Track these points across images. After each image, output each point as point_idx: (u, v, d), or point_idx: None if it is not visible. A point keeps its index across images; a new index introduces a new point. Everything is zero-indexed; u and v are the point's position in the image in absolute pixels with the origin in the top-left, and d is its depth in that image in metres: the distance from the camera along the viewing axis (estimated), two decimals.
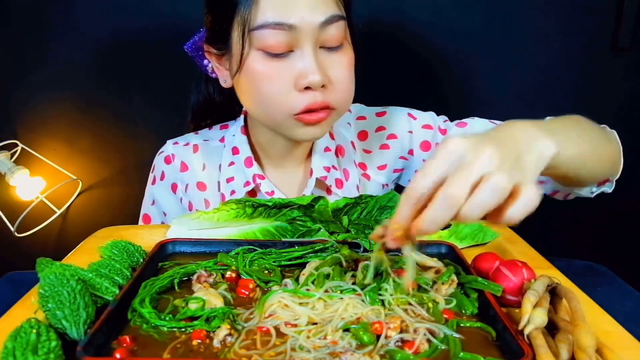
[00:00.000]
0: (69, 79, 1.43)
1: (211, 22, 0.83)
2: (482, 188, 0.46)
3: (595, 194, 0.85)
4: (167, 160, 0.99)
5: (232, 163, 0.95)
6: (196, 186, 0.98)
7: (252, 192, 0.95)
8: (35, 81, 1.43)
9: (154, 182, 1.01)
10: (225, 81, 0.87)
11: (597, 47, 1.39)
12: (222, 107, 1.02)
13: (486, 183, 0.46)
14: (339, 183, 0.96)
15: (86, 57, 1.40)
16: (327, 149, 0.96)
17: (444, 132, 0.98)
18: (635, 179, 1.47)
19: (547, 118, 0.86)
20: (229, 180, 0.95)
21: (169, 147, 1.00)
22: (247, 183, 0.93)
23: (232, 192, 0.94)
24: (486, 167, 0.47)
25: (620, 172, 0.84)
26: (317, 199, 0.79)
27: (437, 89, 1.44)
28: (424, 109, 1.04)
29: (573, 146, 0.62)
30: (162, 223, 1.02)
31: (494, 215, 0.49)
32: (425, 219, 0.48)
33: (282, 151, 0.94)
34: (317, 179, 0.93)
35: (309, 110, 0.78)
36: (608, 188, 0.85)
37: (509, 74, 1.41)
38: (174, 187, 1.00)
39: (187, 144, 0.99)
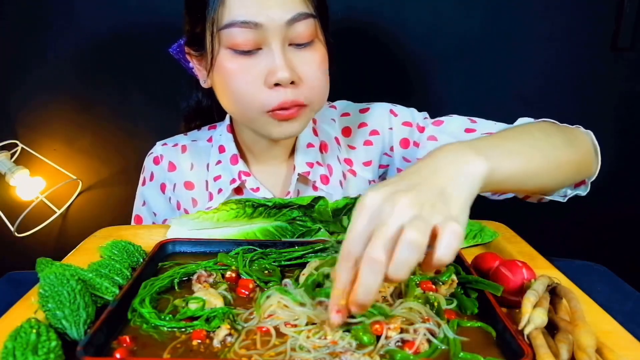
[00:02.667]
0: (68, 79, 1.42)
1: (188, 24, 0.86)
2: (399, 247, 0.45)
3: (568, 198, 0.82)
4: (156, 161, 1.01)
5: (219, 162, 0.97)
6: (184, 185, 1.00)
7: (239, 190, 0.96)
8: (35, 81, 1.43)
9: (143, 183, 1.03)
10: (204, 81, 0.89)
11: (597, 47, 1.39)
12: (209, 111, 1.04)
13: (400, 242, 0.45)
14: (324, 179, 0.97)
15: (86, 56, 1.40)
16: (310, 145, 0.97)
17: (421, 129, 0.99)
18: (635, 178, 1.47)
19: (497, 128, 0.84)
20: (216, 178, 0.96)
21: (157, 148, 1.02)
22: (233, 180, 0.94)
23: (219, 190, 0.95)
24: (403, 218, 0.46)
25: (596, 174, 0.81)
26: (317, 199, 0.79)
27: (435, 90, 1.44)
28: (422, 109, 1.04)
29: (514, 160, 0.59)
30: (153, 223, 1.03)
31: (425, 265, 0.48)
32: (359, 291, 0.46)
33: (265, 149, 0.95)
34: (300, 174, 0.94)
35: (281, 108, 0.80)
36: (582, 191, 0.82)
37: (508, 74, 1.41)
38: (162, 187, 1.01)
39: (175, 145, 1.02)
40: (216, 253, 0.71)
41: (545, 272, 0.63)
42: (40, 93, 1.44)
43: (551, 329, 0.53)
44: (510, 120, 0.93)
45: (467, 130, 0.94)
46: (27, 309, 0.59)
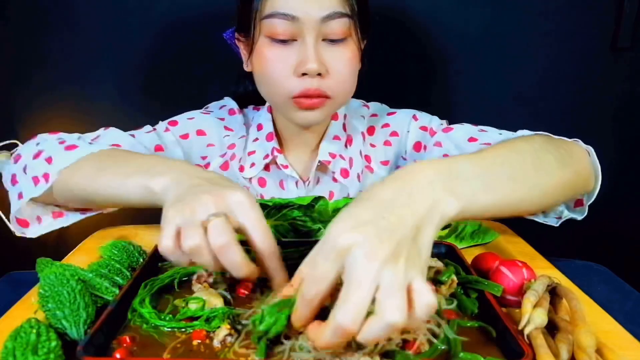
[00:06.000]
0: (69, 79, 1.42)
1: (238, 11, 0.93)
2: (372, 324, 0.42)
3: (561, 222, 0.81)
4: (217, 111, 1.05)
5: (256, 139, 1.02)
6: (196, 133, 1.00)
7: (267, 167, 1.02)
8: (35, 81, 1.43)
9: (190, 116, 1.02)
10: (247, 65, 0.96)
11: (597, 47, 1.39)
12: (253, 96, 1.06)
13: (376, 318, 0.42)
14: (344, 172, 1.01)
15: (86, 56, 1.40)
16: (336, 138, 1.01)
17: (432, 134, 1.01)
18: (635, 179, 1.47)
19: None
20: (250, 153, 1.02)
21: (228, 101, 1.06)
22: (267, 156, 1.00)
23: (252, 164, 1.01)
24: (379, 280, 0.43)
25: (594, 193, 0.77)
26: (317, 199, 0.79)
27: (435, 89, 1.44)
28: (423, 108, 1.05)
29: (491, 194, 0.57)
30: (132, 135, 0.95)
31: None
32: (320, 341, 0.45)
33: (294, 133, 1.01)
34: (321, 162, 0.98)
35: (305, 95, 0.85)
36: (578, 215, 0.81)
37: (509, 73, 1.41)
38: (185, 136, 1.00)
39: (228, 109, 1.05)
40: None
41: (545, 272, 0.63)
42: (41, 93, 1.44)
43: (551, 329, 0.53)
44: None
45: (470, 140, 0.93)
46: (27, 309, 0.59)
